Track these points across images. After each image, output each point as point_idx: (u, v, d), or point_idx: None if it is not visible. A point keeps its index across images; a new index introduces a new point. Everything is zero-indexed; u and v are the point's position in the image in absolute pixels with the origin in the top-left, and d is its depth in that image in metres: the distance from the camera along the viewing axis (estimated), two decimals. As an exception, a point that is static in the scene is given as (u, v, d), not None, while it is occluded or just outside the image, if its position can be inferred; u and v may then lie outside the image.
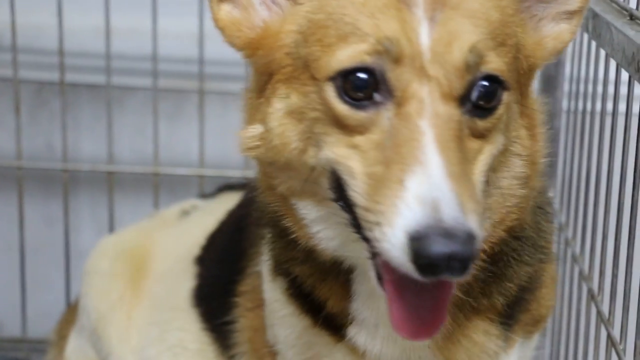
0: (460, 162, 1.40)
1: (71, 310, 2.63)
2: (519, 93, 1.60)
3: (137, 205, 3.11)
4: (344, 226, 1.56)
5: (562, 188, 2.64)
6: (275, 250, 1.79)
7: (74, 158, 3.08)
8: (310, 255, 1.69)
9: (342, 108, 1.46)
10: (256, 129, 1.62)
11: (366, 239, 1.46)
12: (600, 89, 2.22)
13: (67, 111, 2.91)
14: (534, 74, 1.66)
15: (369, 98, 1.45)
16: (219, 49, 2.90)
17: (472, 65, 1.45)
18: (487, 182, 1.54)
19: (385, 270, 1.46)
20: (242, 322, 2.03)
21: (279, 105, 1.56)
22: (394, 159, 1.40)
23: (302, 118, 1.53)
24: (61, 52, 2.81)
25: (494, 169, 1.56)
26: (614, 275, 1.96)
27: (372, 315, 1.71)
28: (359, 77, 1.45)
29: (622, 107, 1.99)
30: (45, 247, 3.20)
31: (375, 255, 1.47)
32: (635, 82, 1.76)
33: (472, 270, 1.38)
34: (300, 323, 1.79)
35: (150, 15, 2.78)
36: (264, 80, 1.60)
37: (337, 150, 1.48)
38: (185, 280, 2.28)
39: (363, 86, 1.45)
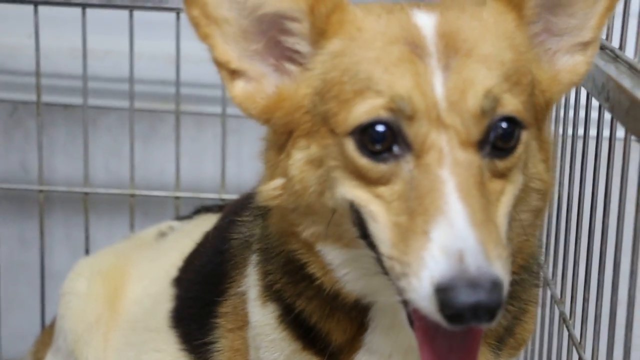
0: (483, 208, 1.42)
1: (46, 332, 2.62)
2: (536, 129, 1.61)
3: (112, 226, 3.11)
4: (370, 268, 1.58)
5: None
6: (276, 284, 1.79)
7: (49, 178, 3.08)
8: (321, 292, 1.70)
9: (363, 162, 1.49)
10: (277, 182, 1.64)
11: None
12: (571, 113, 2.25)
13: (42, 132, 2.91)
14: (550, 108, 1.67)
15: (388, 150, 1.48)
16: (195, 71, 2.96)
17: (487, 110, 1.47)
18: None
19: (416, 317, 1.48)
20: (223, 342, 2.03)
21: (299, 156, 1.59)
22: (417, 210, 1.42)
23: (321, 165, 1.56)
24: (38, 73, 2.81)
25: (514, 205, 1.57)
26: (585, 300, 1.99)
27: (388, 345, 1.73)
28: (376, 131, 1.48)
29: (592, 131, 2.02)
30: (20, 268, 3.19)
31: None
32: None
33: (499, 317, 1.39)
34: (289, 347, 1.81)
35: (126, 37, 2.79)
36: (283, 139, 1.62)
37: (356, 193, 1.51)
38: (163, 302, 2.28)
39: (381, 139, 1.48)
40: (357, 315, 1.72)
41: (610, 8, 1.67)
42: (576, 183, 2.15)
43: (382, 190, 1.48)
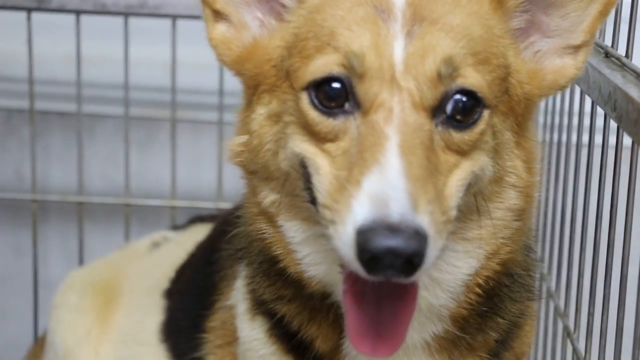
0: (424, 168, 1.40)
1: (39, 344, 2.59)
2: (513, 121, 1.59)
3: (107, 235, 3.07)
4: (330, 250, 1.53)
5: (536, 221, 2.61)
6: (259, 289, 1.77)
7: (43, 187, 3.04)
8: (299, 291, 1.68)
9: (313, 115, 1.49)
10: (242, 138, 1.65)
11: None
12: (575, 121, 2.21)
13: (36, 139, 2.87)
14: (532, 105, 1.65)
15: (341, 106, 1.48)
16: (191, 78, 2.92)
17: (445, 77, 1.46)
18: (479, 211, 1.55)
19: (345, 280, 1.46)
20: (211, 359, 2.00)
21: (261, 111, 1.60)
22: (356, 163, 1.41)
23: (278, 121, 1.56)
24: (31, 80, 2.77)
25: (487, 197, 1.56)
26: (590, 313, 1.94)
27: None
28: (331, 87, 1.48)
29: (598, 139, 1.98)
30: (14, 277, 3.16)
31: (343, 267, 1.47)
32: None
33: (420, 273, 1.36)
34: None
35: (121, 43, 2.75)
36: (250, 94, 1.63)
37: (305, 147, 1.51)
38: (153, 314, 2.25)
39: (336, 96, 1.48)
40: (336, 319, 1.69)
41: (604, 13, 1.64)
42: (580, 193, 2.11)
43: (329, 145, 1.48)
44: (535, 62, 1.64)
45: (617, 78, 1.71)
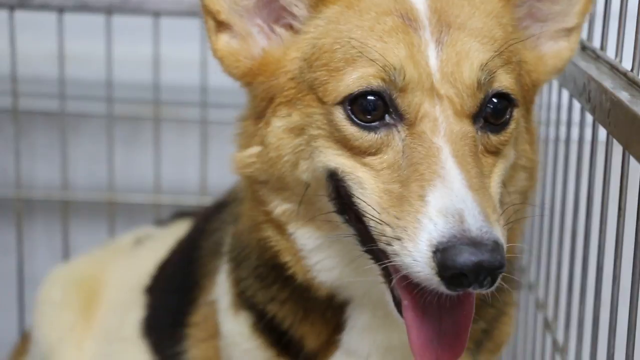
0: (479, 176, 1.41)
1: (24, 340, 2.59)
2: (525, 109, 1.61)
3: (92, 232, 3.06)
4: (344, 256, 1.56)
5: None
6: (248, 291, 1.76)
7: (28, 185, 3.04)
8: (297, 294, 1.67)
9: (352, 130, 1.47)
10: (253, 150, 1.62)
11: (374, 254, 1.46)
12: (553, 115, 2.22)
13: (20, 138, 2.87)
14: (537, 91, 1.67)
15: (380, 119, 1.46)
16: (174, 75, 2.92)
17: (484, 83, 1.47)
18: (501, 199, 1.54)
19: (405, 295, 1.44)
20: (194, 352, 2.00)
21: (279, 123, 1.57)
22: (411, 177, 1.40)
23: (301, 134, 1.54)
24: (14, 79, 2.77)
25: (504, 183, 1.56)
26: (568, 304, 1.96)
27: (365, 345, 1.69)
28: (368, 100, 1.47)
29: (575, 132, 1.99)
30: (-1, 275, 3.16)
31: (390, 280, 1.46)
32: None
33: (499, 281, 1.37)
34: (263, 355, 1.78)
35: (104, 41, 2.75)
36: (263, 106, 1.60)
37: (341, 161, 1.49)
38: (135, 310, 2.25)
39: (373, 108, 1.47)
40: (333, 316, 1.69)
41: None
42: (559, 186, 2.12)
43: (370, 159, 1.46)
44: (536, 50, 1.66)
45: (591, 70, 1.73)
